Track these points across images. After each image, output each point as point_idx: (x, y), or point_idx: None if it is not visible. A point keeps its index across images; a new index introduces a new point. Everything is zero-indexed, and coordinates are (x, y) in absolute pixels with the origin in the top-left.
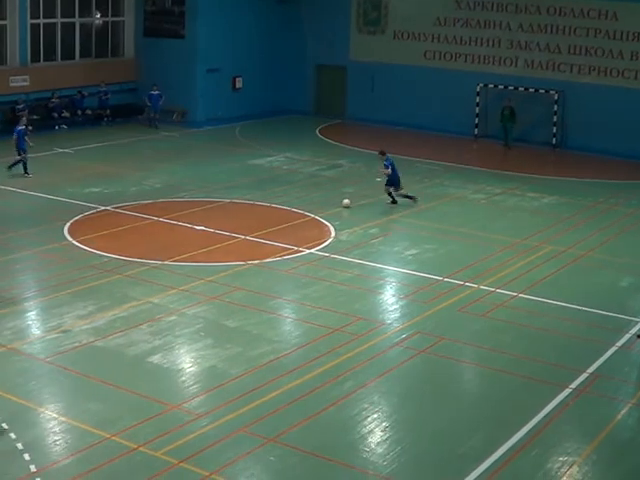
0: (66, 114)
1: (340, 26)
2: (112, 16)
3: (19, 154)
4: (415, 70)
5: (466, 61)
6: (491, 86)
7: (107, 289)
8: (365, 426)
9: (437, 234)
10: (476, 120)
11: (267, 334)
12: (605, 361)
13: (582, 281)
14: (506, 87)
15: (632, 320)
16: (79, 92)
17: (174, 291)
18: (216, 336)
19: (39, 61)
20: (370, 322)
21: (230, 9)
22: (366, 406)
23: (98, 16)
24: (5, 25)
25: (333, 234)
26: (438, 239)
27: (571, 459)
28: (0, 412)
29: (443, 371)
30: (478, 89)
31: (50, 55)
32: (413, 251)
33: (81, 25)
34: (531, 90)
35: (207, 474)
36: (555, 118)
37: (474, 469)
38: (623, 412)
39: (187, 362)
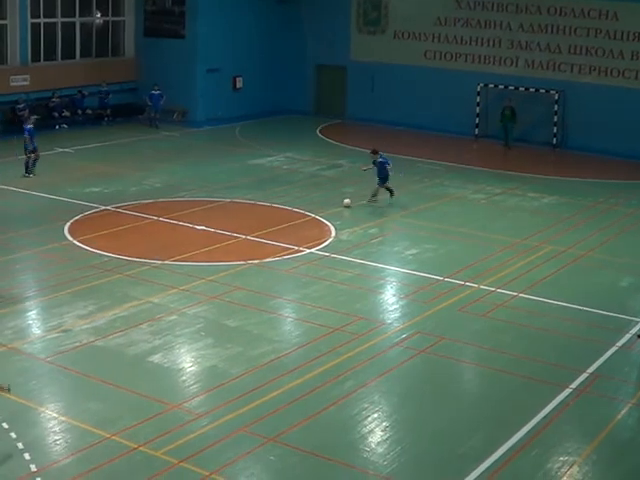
0: (66, 114)
1: (340, 26)
2: (112, 16)
3: (28, 153)
4: (415, 70)
5: (466, 61)
6: (491, 86)
7: (107, 289)
8: (365, 426)
9: (437, 234)
10: (476, 120)
11: (267, 334)
12: (605, 361)
13: (582, 281)
14: (506, 87)
15: (632, 320)
16: (79, 92)
17: (174, 291)
18: (216, 336)
19: (39, 61)
20: (370, 322)
21: (230, 9)
22: (366, 406)
23: (98, 16)
24: (5, 25)
25: (333, 234)
26: (438, 239)
27: (571, 459)
28: (0, 412)
29: (443, 371)
30: (478, 89)
31: (50, 55)
32: (413, 251)
33: (81, 25)
34: (531, 90)
35: (207, 474)
36: (555, 118)
37: (474, 469)
38: (623, 412)
39: (187, 362)
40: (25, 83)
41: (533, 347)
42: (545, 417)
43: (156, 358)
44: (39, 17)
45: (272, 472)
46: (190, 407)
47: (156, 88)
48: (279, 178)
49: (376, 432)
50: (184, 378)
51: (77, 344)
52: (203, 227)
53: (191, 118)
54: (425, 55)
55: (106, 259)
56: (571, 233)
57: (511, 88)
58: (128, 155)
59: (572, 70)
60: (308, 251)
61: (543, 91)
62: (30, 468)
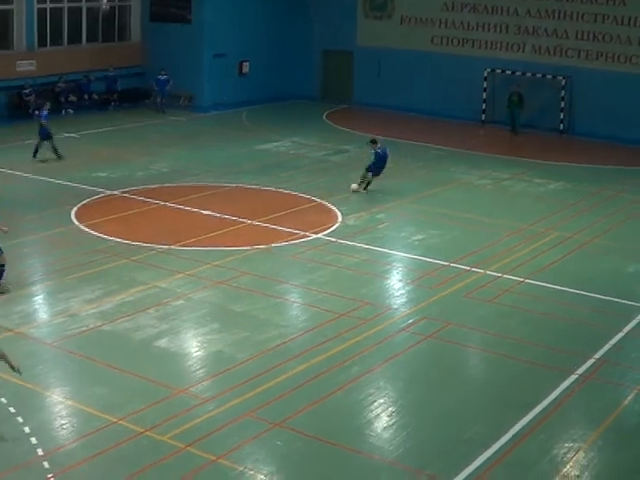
0: (73, 98)
1: (347, 11)
2: (119, 0)
3: (45, 138)
4: (422, 55)
5: (473, 46)
6: (498, 72)
7: (114, 273)
8: (371, 411)
9: (443, 220)
10: (483, 105)
11: (274, 319)
12: (611, 347)
13: (588, 267)
14: (513, 73)
15: (638, 306)
16: (85, 76)
17: (181, 275)
18: (223, 321)
19: (46, 46)
20: (376, 307)
21: None
22: (372, 391)
23: (105, 0)
24: (12, 9)
25: (340, 219)
26: (444, 225)
27: (577, 445)
28: (7, 396)
29: (449, 356)
30: (485, 74)
31: (57, 39)
32: (419, 236)
33: (88, 9)
34: (538, 76)
35: (214, 458)
36: (562, 104)
37: (480, 454)
38: (629, 398)
39: (194, 346)
40: (31, 68)
41: (538, 332)
42: (551, 403)
43: (162, 343)
44: (45, 2)
45: (278, 457)
46: (196, 392)
47: (163, 73)
48: (285, 163)
49: (382, 417)
50: (190, 363)
51: (84, 329)
52: (209, 212)
53: (197, 103)
54: (432, 40)
55: (113, 244)
56: (577, 219)
57: (518, 74)
58: (135, 140)
59: (579, 56)
60: (314, 236)
61: (550, 77)
62: (37, 452)
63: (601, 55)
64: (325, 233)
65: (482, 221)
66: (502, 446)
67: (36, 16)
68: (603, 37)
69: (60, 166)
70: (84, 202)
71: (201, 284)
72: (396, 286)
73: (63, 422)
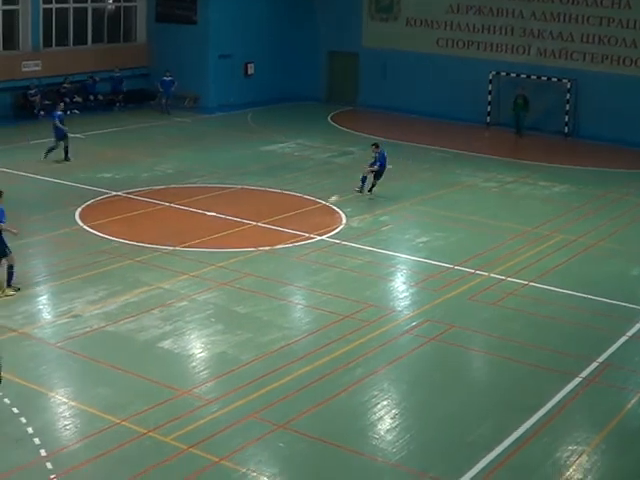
0: (78, 99)
1: (352, 12)
2: (124, 1)
3: (60, 139)
4: (427, 57)
5: (479, 49)
6: (503, 74)
7: (118, 274)
8: (375, 413)
9: (448, 222)
10: (488, 108)
11: (278, 320)
12: (615, 350)
13: (592, 270)
14: (518, 75)
15: None
16: (91, 77)
17: (185, 277)
18: (226, 322)
19: (51, 46)
20: (380, 309)
21: None
22: (376, 393)
23: (110, 1)
24: (17, 10)
25: (344, 221)
26: (449, 227)
27: (580, 448)
28: (10, 396)
29: (453, 359)
30: (490, 77)
31: (62, 40)
32: (424, 239)
33: (93, 10)
34: (544, 78)
35: (217, 460)
36: (567, 107)
37: (483, 457)
38: (633, 402)
39: (197, 348)
40: (37, 68)
41: (542, 335)
42: (554, 406)
43: (166, 344)
44: (51, 2)
45: (281, 458)
46: (200, 393)
47: (168, 74)
48: (290, 165)
49: (385, 419)
50: (194, 364)
51: (87, 329)
52: (214, 213)
53: (203, 104)
54: (437, 43)
55: (117, 244)
56: (582, 222)
57: (523, 76)
58: (139, 141)
59: (584, 59)
60: (319, 238)
61: (555, 80)
62: (40, 453)
63: (606, 58)
64: (329, 235)
65: (487, 224)
66: (505, 449)
67: (42, 16)
68: (608, 40)
69: (65, 167)
70: (89, 203)
71: (205, 285)
72: (400, 288)
73: (66, 423)
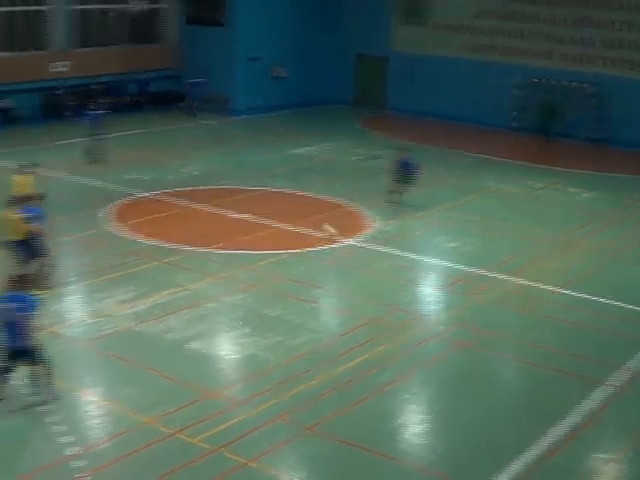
0: (106, 100)
1: (381, 16)
2: (155, 3)
3: (95, 139)
4: (455, 62)
5: (508, 54)
6: (534, 80)
7: (147, 275)
8: (402, 416)
9: (477, 227)
10: (516, 113)
11: (307, 324)
12: None
13: (622, 276)
14: (548, 80)
15: None
16: (119, 79)
17: (213, 278)
18: (256, 324)
19: (80, 47)
20: (409, 313)
21: None
22: (404, 397)
23: (140, 3)
24: (46, 11)
25: (373, 225)
26: (478, 232)
27: (609, 456)
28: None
29: (481, 364)
30: (520, 82)
31: (91, 41)
32: (453, 244)
33: (122, 12)
34: (573, 84)
35: (244, 462)
36: (597, 113)
37: (511, 462)
38: None
39: (226, 349)
40: (65, 69)
41: (570, 342)
42: (583, 413)
43: (194, 345)
44: (81, 4)
45: (309, 461)
46: (228, 395)
47: (197, 76)
48: (318, 168)
49: (413, 423)
50: (222, 365)
51: (117, 329)
52: (242, 215)
53: (231, 106)
54: (465, 47)
55: (145, 246)
56: (610, 229)
57: (553, 82)
58: (166, 143)
59: (615, 64)
60: (348, 242)
61: (585, 85)
62: (69, 451)
63: (639, 65)
64: (358, 239)
65: (516, 229)
66: (534, 455)
67: (70, 18)
68: None
69: (92, 168)
70: (116, 204)
71: (233, 287)
72: (429, 293)
73: (95, 422)
